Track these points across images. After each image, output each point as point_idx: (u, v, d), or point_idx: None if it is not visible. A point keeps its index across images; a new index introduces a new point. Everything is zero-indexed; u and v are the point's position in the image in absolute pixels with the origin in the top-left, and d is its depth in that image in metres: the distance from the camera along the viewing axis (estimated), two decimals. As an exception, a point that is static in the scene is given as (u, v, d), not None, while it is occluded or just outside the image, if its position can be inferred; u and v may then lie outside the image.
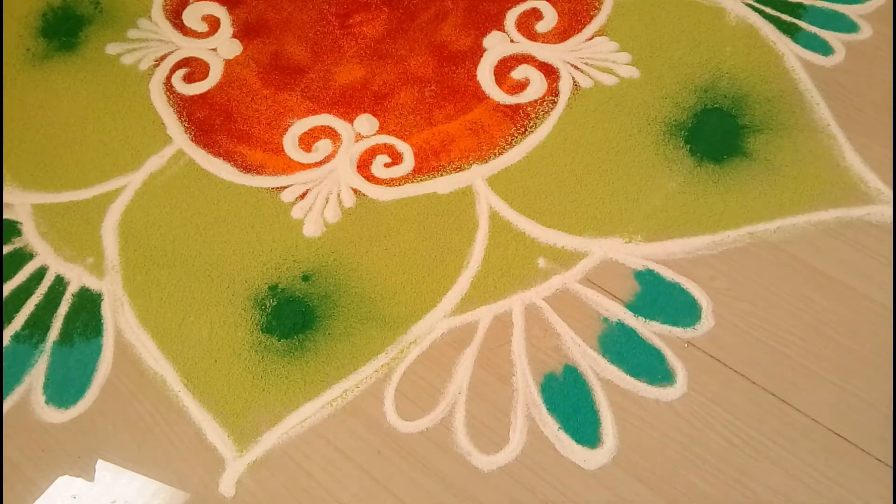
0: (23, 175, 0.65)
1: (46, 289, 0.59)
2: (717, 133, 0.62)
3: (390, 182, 0.62)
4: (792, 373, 0.51)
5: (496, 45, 0.69)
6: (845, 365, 0.51)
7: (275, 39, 0.72)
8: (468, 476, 0.49)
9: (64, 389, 0.54)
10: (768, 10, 0.69)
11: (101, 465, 0.51)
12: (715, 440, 0.49)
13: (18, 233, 0.62)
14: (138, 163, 0.65)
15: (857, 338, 0.52)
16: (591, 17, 0.70)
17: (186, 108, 0.68)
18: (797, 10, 0.69)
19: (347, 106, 0.67)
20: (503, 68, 0.68)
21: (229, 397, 0.53)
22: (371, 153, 0.64)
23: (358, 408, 0.52)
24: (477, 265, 0.57)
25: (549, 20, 0.70)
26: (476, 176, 0.62)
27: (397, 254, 0.58)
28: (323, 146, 0.65)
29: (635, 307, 0.54)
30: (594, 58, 0.67)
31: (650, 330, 0.53)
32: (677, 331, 0.53)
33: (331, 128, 0.66)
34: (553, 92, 0.66)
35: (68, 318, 0.57)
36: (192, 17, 0.74)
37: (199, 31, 0.73)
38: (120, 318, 0.57)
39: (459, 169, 0.62)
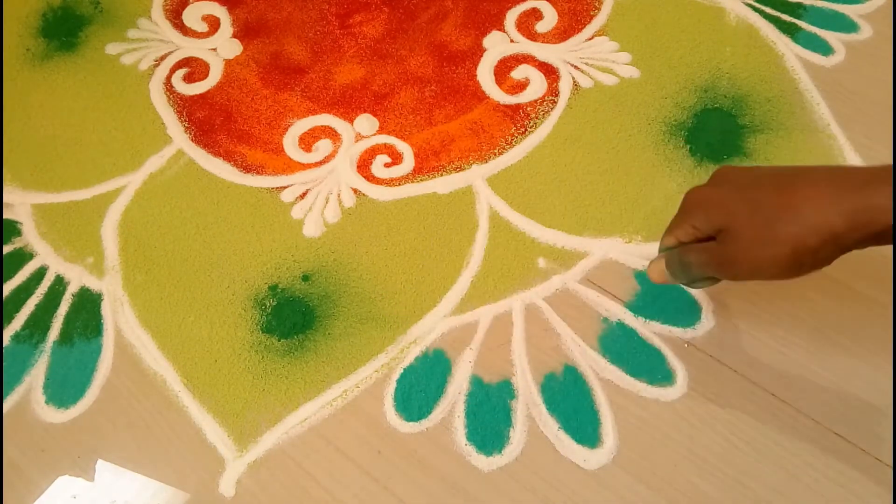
0: (23, 175, 0.65)
1: (46, 289, 0.59)
2: (717, 133, 0.62)
3: (390, 182, 0.62)
4: (792, 373, 0.51)
5: (496, 45, 0.69)
6: (845, 365, 0.51)
7: (275, 39, 0.72)
8: (468, 476, 0.49)
9: (64, 389, 0.54)
10: (768, 10, 0.69)
11: (101, 465, 0.51)
12: (715, 440, 0.49)
13: (18, 233, 0.62)
14: (138, 163, 0.65)
15: (857, 338, 0.52)
16: (591, 17, 0.70)
17: (186, 108, 0.68)
18: (797, 10, 0.69)
19: (347, 106, 0.67)
20: (503, 68, 0.68)
21: (229, 397, 0.53)
22: (371, 153, 0.64)
23: (358, 408, 0.52)
24: (477, 265, 0.57)
25: (549, 20, 0.70)
26: (476, 176, 0.62)
27: (397, 254, 0.58)
28: (323, 146, 0.65)
29: (635, 307, 0.54)
30: (594, 58, 0.67)
31: (650, 330, 0.53)
32: (677, 331, 0.53)
33: (331, 128, 0.66)
34: (553, 92, 0.66)
35: (68, 318, 0.57)
36: (192, 17, 0.75)
37: (199, 31, 0.74)
38: (120, 318, 0.57)
39: (459, 169, 0.62)
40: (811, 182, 0.39)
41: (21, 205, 0.63)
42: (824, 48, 0.66)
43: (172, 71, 0.71)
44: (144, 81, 0.70)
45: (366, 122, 0.66)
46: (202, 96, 0.69)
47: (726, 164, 0.45)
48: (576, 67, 0.67)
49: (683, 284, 0.48)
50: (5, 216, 0.63)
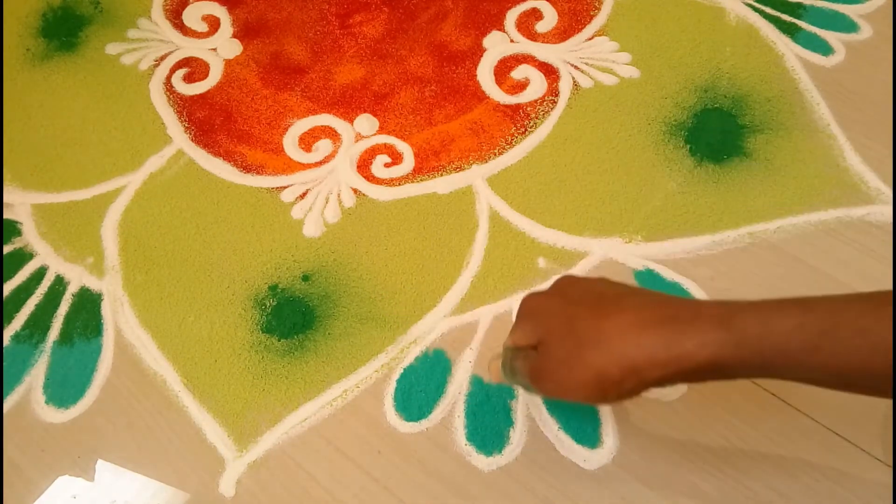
0: (23, 175, 0.65)
1: (46, 289, 0.59)
2: (717, 133, 0.62)
3: (390, 182, 0.62)
4: (792, 373, 0.50)
5: (496, 45, 0.69)
6: (845, 365, 0.51)
7: (275, 39, 0.72)
8: (468, 476, 0.49)
9: (64, 389, 0.54)
10: (768, 10, 0.69)
11: (101, 465, 0.51)
12: (715, 440, 0.49)
13: (18, 233, 0.62)
14: (138, 163, 0.65)
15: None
16: (591, 17, 0.70)
17: (186, 108, 0.68)
18: (797, 10, 0.69)
19: (347, 106, 0.67)
20: (503, 68, 0.68)
21: (229, 397, 0.53)
22: (371, 153, 0.64)
23: (358, 408, 0.52)
24: (477, 265, 0.57)
25: (549, 20, 0.70)
26: (476, 176, 0.62)
27: (397, 254, 0.58)
28: (323, 146, 0.65)
29: (635, 307, 0.54)
30: (594, 58, 0.67)
31: (650, 330, 0.53)
32: (677, 331, 0.53)
33: (331, 128, 0.66)
34: (553, 92, 0.66)
35: (68, 318, 0.57)
36: (192, 17, 0.74)
37: (199, 31, 0.73)
38: (120, 318, 0.57)
39: (459, 169, 0.62)
40: (623, 310, 0.37)
41: (21, 205, 0.63)
42: (824, 48, 0.66)
43: (172, 71, 0.71)
44: (144, 81, 0.70)
45: (366, 122, 0.66)
46: (202, 96, 0.69)
47: (569, 275, 0.43)
48: (576, 67, 0.67)
49: (516, 388, 0.48)
50: (5, 216, 0.63)
